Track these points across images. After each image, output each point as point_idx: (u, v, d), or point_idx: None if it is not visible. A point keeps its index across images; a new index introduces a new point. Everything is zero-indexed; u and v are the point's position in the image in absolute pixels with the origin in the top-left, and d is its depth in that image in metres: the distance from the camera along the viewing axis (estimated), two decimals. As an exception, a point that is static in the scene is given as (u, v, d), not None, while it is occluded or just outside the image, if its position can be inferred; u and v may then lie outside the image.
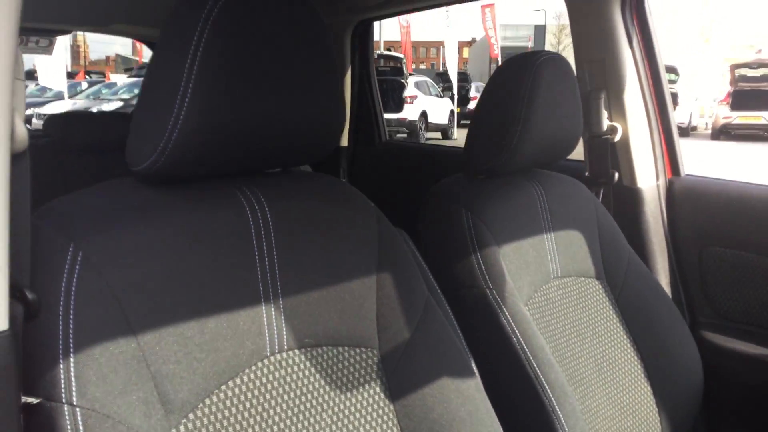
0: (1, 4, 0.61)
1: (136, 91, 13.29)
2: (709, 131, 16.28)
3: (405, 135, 14.19)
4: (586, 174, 1.58)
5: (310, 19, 0.82)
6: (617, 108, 1.53)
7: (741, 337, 1.45)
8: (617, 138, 1.53)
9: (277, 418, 0.80)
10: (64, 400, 0.64)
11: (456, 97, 16.93)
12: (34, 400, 0.65)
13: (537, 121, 1.19)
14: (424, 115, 14.48)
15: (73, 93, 15.15)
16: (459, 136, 15.46)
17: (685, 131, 15.83)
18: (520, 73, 1.22)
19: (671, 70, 16.69)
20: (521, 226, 1.24)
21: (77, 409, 0.64)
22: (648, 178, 1.55)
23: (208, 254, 0.78)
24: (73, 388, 0.64)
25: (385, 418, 0.88)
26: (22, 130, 0.64)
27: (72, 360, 0.65)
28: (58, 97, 14.10)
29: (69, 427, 0.63)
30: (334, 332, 0.87)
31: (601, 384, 1.24)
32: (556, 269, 1.28)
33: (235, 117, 0.76)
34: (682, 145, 1.59)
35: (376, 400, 0.88)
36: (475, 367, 1.00)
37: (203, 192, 0.81)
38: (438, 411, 0.89)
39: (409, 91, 14.15)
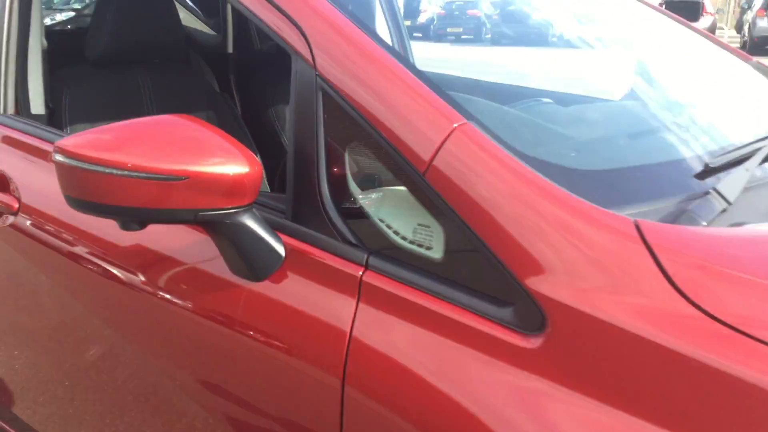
0: None
1: (87, 0, 13.67)
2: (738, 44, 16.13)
3: None
4: None
5: None
6: None
7: None
8: None
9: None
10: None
11: None
12: None
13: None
14: None
15: (25, 3, 15.34)
16: None
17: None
18: None
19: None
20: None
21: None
22: None
23: (123, 101, 1.90)
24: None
25: None
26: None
27: (69, 124, 1.77)
28: (11, 7, 14.35)
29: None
30: None
31: None
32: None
33: (127, 33, 1.86)
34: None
35: None
36: (246, 129, 2.13)
37: (121, 75, 1.94)
38: None
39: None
